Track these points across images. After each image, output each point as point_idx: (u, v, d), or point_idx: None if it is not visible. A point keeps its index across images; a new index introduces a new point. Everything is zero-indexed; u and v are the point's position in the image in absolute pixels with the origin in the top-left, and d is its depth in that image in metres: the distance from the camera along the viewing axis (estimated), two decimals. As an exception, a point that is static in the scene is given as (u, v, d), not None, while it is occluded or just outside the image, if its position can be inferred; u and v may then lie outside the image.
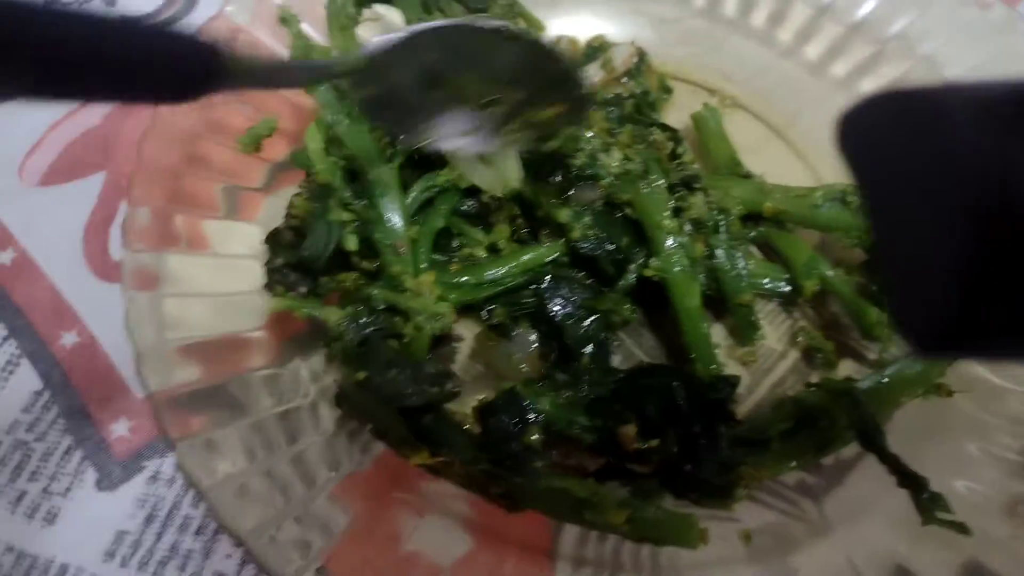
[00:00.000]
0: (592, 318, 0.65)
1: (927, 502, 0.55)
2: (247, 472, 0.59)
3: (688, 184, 0.66)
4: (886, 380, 0.62)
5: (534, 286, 0.66)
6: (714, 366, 0.63)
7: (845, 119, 0.30)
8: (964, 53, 0.77)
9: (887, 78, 0.81)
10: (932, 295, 0.25)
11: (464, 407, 0.64)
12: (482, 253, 0.68)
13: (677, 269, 0.63)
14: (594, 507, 0.57)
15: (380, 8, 0.78)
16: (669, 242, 0.63)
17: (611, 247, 0.65)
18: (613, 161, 0.65)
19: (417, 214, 0.66)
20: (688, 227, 0.65)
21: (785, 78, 0.84)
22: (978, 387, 0.63)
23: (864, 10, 0.82)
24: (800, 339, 0.69)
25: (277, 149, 0.74)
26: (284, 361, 0.65)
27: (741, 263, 0.67)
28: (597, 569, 0.58)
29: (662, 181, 0.65)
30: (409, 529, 0.58)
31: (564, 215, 0.64)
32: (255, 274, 0.67)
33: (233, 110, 0.74)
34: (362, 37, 0.75)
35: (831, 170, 0.79)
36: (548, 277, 0.66)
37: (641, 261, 0.64)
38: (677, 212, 0.65)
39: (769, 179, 0.73)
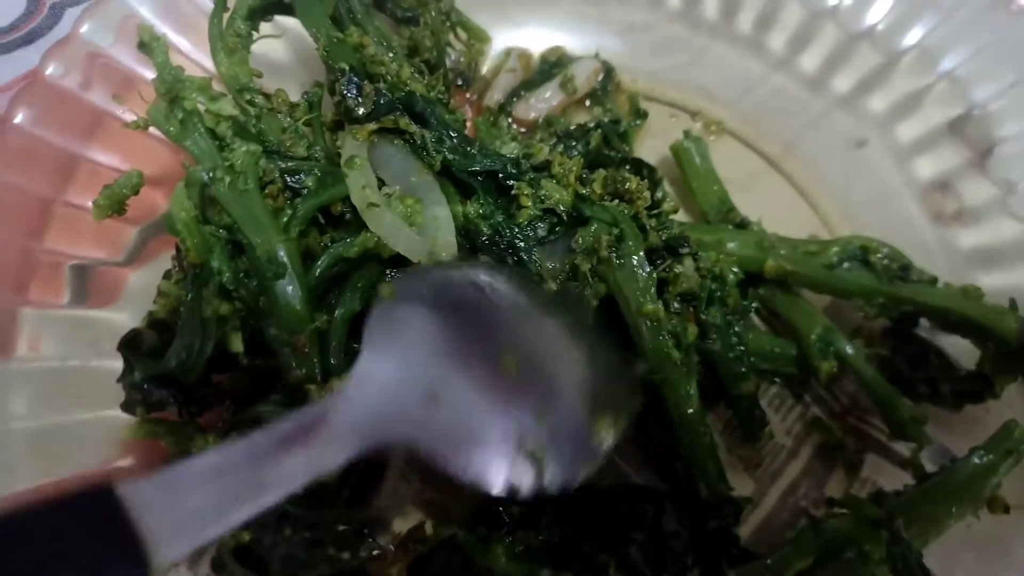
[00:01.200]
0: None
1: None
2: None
3: (674, 250, 0.52)
4: (928, 496, 0.49)
5: None
6: (723, 484, 0.50)
7: None
8: (993, 68, 0.64)
9: (900, 94, 0.68)
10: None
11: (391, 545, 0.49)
12: None
13: (669, 366, 0.49)
14: None
15: (284, 20, 0.62)
16: (653, 334, 0.49)
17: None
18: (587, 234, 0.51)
19: (326, 296, 0.51)
20: (676, 305, 0.51)
21: (778, 95, 0.71)
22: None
23: (872, 14, 0.69)
24: (814, 434, 0.56)
25: (150, 201, 0.58)
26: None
27: (740, 343, 0.53)
28: None
29: (640, 253, 0.50)
30: None
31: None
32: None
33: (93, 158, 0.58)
34: (258, 57, 0.59)
35: (838, 209, 0.65)
36: None
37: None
38: (661, 287, 0.51)
39: (766, 224, 0.60)
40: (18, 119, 0.53)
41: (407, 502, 0.53)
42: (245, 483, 0.33)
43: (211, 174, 0.50)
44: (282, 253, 0.49)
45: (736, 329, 0.54)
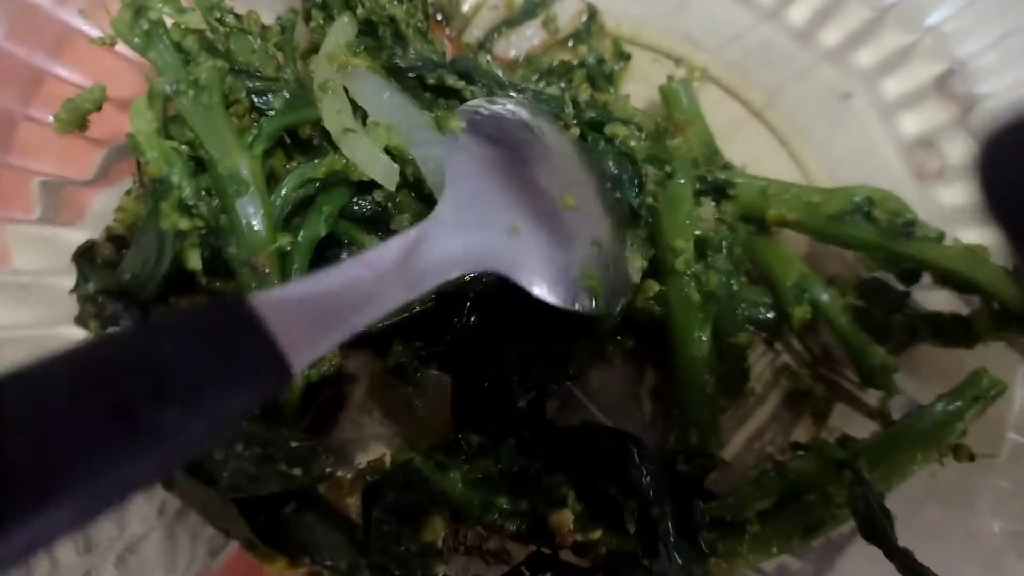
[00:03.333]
0: (532, 359, 0.50)
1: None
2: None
3: (722, 190, 0.51)
4: (893, 441, 0.48)
5: (452, 316, 0.51)
6: (714, 436, 0.49)
7: (987, 146, 0.26)
8: (979, 24, 0.63)
9: (887, 49, 0.67)
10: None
11: (350, 473, 0.49)
12: None
13: (685, 307, 0.48)
14: None
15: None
16: (684, 269, 0.49)
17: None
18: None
19: (291, 219, 0.50)
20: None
21: (765, 46, 0.69)
22: (1007, 451, 0.50)
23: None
24: (783, 381, 0.55)
25: (117, 124, 0.56)
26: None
27: (740, 294, 0.52)
28: None
29: (688, 192, 0.50)
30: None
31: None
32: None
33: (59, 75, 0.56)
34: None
35: (820, 161, 0.64)
36: (468, 304, 0.51)
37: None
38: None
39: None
40: (-20, 29, 0.51)
41: (367, 435, 0.52)
42: (365, 294, 0.35)
43: (175, 87, 0.48)
44: (245, 170, 0.48)
45: (739, 279, 0.53)
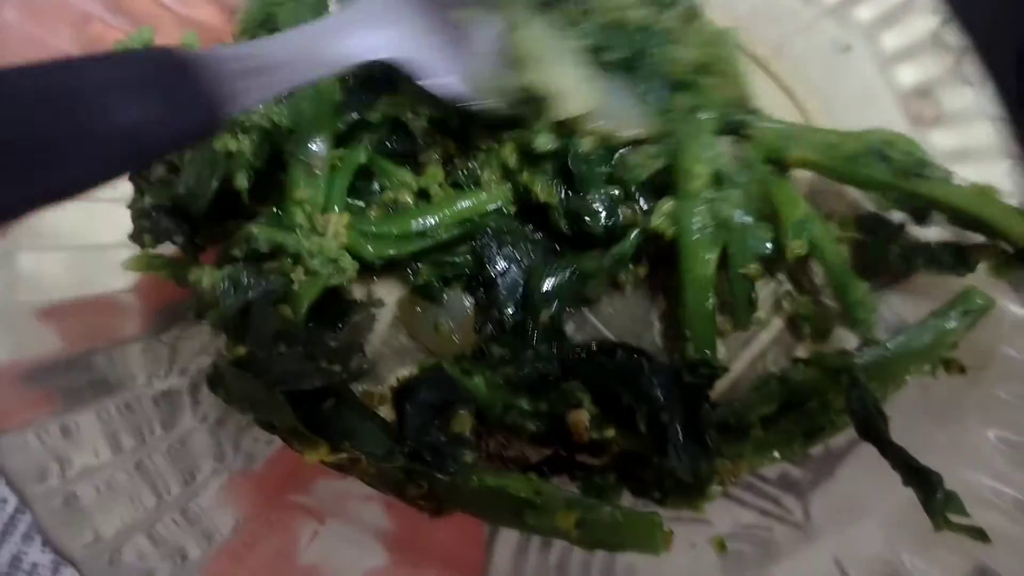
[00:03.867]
0: (550, 281, 0.54)
1: (939, 503, 0.45)
2: (112, 464, 0.48)
3: (737, 129, 0.55)
4: (889, 354, 0.52)
5: (472, 242, 0.55)
6: (710, 351, 0.52)
7: None
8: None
9: (886, 5, 0.70)
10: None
11: (383, 386, 0.53)
12: (409, 199, 0.55)
13: (696, 228, 0.52)
14: (537, 509, 0.47)
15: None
16: (697, 193, 0.52)
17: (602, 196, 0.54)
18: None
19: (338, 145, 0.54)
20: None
21: (769, 3, 0.72)
22: (996, 364, 0.53)
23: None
24: (785, 306, 0.59)
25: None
26: (159, 331, 0.53)
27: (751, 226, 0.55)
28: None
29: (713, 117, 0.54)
30: (306, 538, 0.47)
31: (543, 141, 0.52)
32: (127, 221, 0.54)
33: (109, 24, 0.60)
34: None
35: (822, 108, 0.68)
36: (489, 231, 0.54)
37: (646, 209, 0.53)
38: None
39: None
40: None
41: (396, 353, 0.56)
42: (293, 57, 0.42)
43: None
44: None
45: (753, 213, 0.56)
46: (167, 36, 0.60)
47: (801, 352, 0.57)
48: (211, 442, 0.51)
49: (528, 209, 0.56)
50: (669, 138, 0.54)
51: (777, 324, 0.59)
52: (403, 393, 0.48)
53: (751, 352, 0.57)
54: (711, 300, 0.53)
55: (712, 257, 0.53)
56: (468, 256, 0.55)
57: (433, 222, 0.54)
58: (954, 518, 0.45)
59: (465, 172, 0.56)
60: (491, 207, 0.55)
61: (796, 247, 0.55)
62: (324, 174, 0.50)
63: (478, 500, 0.48)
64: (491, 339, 0.52)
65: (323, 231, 0.49)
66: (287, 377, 0.44)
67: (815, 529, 0.52)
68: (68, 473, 0.46)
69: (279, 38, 0.44)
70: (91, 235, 0.55)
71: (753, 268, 0.55)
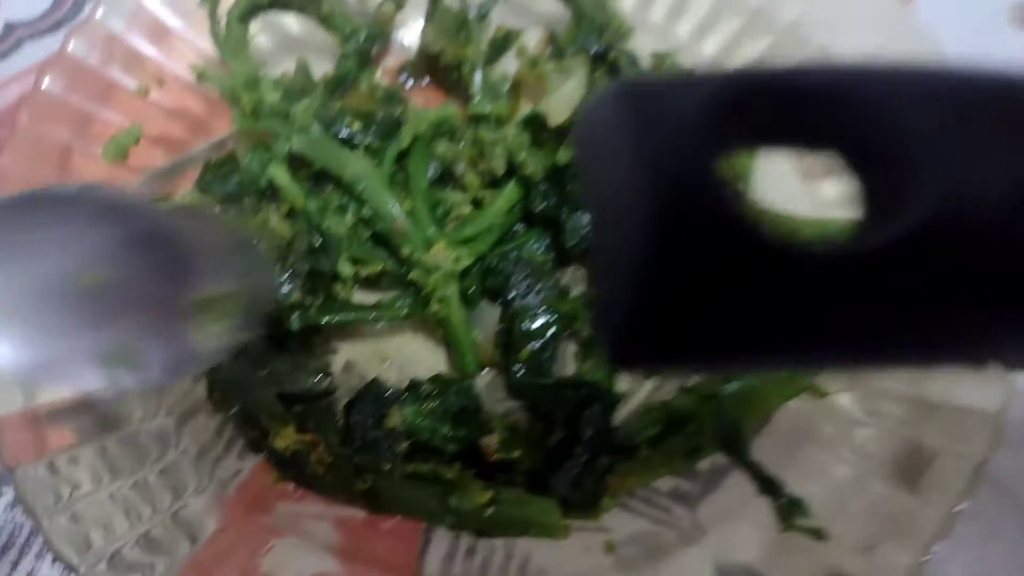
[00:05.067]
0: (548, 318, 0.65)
1: (785, 507, 0.54)
2: (111, 486, 0.58)
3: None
4: (755, 383, 0.61)
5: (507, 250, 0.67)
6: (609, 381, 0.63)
7: (584, 112, 0.26)
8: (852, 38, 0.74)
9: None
10: (620, 309, 0.24)
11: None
12: (467, 209, 0.67)
13: None
14: (460, 490, 0.57)
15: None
16: None
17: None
18: None
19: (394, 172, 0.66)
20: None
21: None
22: (859, 387, 0.61)
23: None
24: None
25: (150, 157, 0.72)
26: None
27: None
28: (465, 587, 0.58)
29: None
30: (265, 551, 0.57)
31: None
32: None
33: (105, 118, 0.72)
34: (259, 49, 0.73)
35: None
36: (513, 254, 0.66)
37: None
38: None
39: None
40: (45, 84, 0.67)
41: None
42: None
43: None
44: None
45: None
46: (156, 127, 0.72)
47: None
48: (191, 470, 0.61)
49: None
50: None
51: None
52: (350, 405, 0.61)
53: (650, 384, 0.67)
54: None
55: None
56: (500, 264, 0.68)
57: (493, 216, 0.67)
58: (799, 521, 0.54)
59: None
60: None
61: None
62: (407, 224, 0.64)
63: (411, 490, 0.58)
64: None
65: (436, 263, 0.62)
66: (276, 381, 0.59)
67: (702, 532, 0.60)
68: (75, 495, 0.56)
69: None
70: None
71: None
